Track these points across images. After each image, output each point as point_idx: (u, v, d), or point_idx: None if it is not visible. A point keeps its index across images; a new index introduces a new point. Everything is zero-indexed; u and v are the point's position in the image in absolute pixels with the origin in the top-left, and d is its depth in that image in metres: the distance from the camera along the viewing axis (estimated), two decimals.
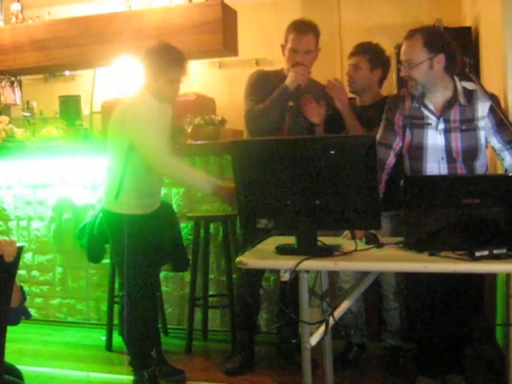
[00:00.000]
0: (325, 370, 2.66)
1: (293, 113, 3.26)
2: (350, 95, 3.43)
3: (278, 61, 4.81)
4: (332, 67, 5.34)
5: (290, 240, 2.36)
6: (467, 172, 2.72)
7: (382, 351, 3.46)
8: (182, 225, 3.95)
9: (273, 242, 2.46)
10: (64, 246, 4.38)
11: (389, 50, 4.61)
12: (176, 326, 4.15)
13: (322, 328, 2.29)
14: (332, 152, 2.26)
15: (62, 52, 4.62)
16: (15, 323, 1.86)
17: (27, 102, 4.96)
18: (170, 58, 3.03)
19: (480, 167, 2.75)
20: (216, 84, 5.58)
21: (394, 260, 2.19)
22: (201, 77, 5.56)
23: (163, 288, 4.11)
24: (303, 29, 3.28)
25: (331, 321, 2.28)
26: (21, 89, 5.24)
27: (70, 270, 4.43)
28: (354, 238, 2.35)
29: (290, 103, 3.24)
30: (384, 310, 3.43)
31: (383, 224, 3.10)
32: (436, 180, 2.33)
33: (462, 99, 2.70)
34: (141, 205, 3.15)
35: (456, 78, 2.74)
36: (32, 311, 4.52)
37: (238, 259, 2.29)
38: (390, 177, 2.84)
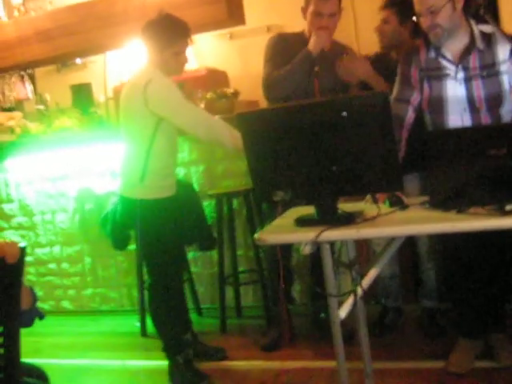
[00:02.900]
0: (360, 339, 2.56)
1: (319, 78, 3.12)
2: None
3: (289, 26, 4.67)
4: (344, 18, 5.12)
5: (311, 210, 2.26)
6: (492, 121, 2.56)
7: (419, 314, 3.35)
8: (205, 203, 3.87)
9: (293, 214, 2.35)
10: (90, 236, 4.35)
11: None
12: (209, 306, 4.10)
13: (351, 299, 2.19)
14: (343, 114, 2.13)
15: (68, 40, 4.52)
16: (28, 325, 1.81)
17: (40, 95, 4.90)
18: (173, 30, 2.93)
19: (506, 114, 2.58)
20: (228, 56, 5.42)
21: (418, 222, 2.06)
22: (211, 50, 5.41)
23: (192, 268, 4.07)
24: None
25: (359, 291, 2.18)
26: (33, 82, 5.19)
27: (98, 259, 4.41)
28: (375, 202, 2.23)
29: (316, 68, 3.10)
30: (420, 270, 3.31)
31: (413, 185, 3.02)
32: (457, 133, 2.19)
33: (479, 44, 2.53)
34: (166, 186, 3.06)
35: (472, 21, 2.57)
36: (66, 303, 4.56)
37: (256, 235, 2.20)
38: (412, 135, 2.69)
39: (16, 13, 4.82)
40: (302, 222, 2.23)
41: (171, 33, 2.93)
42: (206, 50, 5.35)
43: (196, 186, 3.92)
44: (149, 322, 3.76)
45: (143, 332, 3.87)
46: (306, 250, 2.13)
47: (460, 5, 2.48)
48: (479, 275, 2.75)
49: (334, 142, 2.16)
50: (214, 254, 3.96)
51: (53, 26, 4.57)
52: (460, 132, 2.25)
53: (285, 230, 2.22)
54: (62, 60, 5.06)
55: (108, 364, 3.50)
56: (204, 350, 3.38)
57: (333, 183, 2.19)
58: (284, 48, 3.19)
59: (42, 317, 1.85)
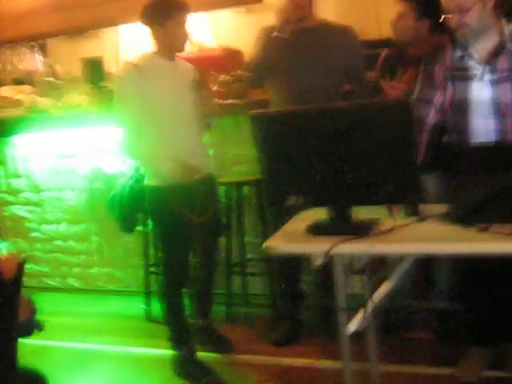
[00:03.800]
0: (368, 344, 2.50)
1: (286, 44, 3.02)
2: None
3: None
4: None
5: (322, 214, 2.17)
6: None
7: (429, 314, 3.27)
8: None
9: (303, 218, 2.27)
10: (97, 215, 4.29)
11: None
12: (216, 291, 4.05)
13: (362, 313, 2.13)
14: (364, 120, 2.04)
15: (79, 13, 4.41)
16: (27, 336, 1.76)
17: (50, 66, 4.79)
18: (163, 7, 2.93)
19: None
20: (244, 33, 5.24)
21: (437, 240, 1.97)
22: (225, 26, 5.23)
23: None
24: None
25: (370, 305, 2.11)
26: (44, 52, 5.06)
27: (105, 238, 4.35)
28: (391, 213, 2.14)
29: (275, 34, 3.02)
30: (432, 268, 3.23)
31: (430, 186, 2.91)
32: (482, 150, 2.08)
33: (510, 45, 2.39)
34: (167, 171, 2.92)
35: (504, 20, 2.43)
36: (72, 280, 4.54)
37: (266, 244, 2.12)
38: (432, 135, 2.58)
39: None
40: (314, 230, 2.15)
41: (162, 10, 2.93)
42: (222, 25, 5.18)
43: None
44: (154, 305, 3.74)
45: (148, 316, 3.84)
46: (318, 261, 2.06)
47: (491, 3, 2.34)
48: (494, 282, 2.66)
49: (352, 149, 2.07)
50: (222, 239, 3.89)
51: None
52: (484, 149, 2.14)
53: (296, 238, 2.15)
54: (73, 32, 4.92)
55: (112, 350, 3.48)
56: (212, 340, 3.36)
57: (348, 191, 2.11)
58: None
59: (40, 329, 1.79)
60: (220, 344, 3.36)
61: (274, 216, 3.22)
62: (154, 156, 2.98)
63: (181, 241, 3.05)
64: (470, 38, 2.41)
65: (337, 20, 3.41)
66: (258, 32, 3.25)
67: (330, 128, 2.09)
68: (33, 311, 1.77)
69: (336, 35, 3.15)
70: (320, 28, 3.15)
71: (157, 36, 2.98)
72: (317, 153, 2.11)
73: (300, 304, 3.43)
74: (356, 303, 2.26)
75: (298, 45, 3.08)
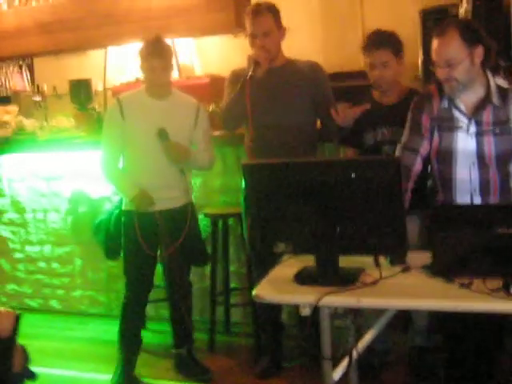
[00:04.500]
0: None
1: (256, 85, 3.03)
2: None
3: (295, 27, 4.60)
4: (352, 33, 5.03)
5: (310, 258, 2.22)
6: (500, 177, 2.51)
7: (408, 351, 3.32)
8: (200, 216, 3.82)
9: (291, 263, 2.32)
10: (82, 238, 4.29)
11: (413, 15, 4.38)
12: (199, 318, 4.07)
13: (346, 361, 2.17)
14: (353, 176, 2.09)
15: (68, 35, 4.42)
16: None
17: (37, 86, 4.79)
18: (141, 49, 3.13)
19: None
20: (232, 57, 5.30)
21: (420, 296, 2.02)
22: (213, 52, 5.28)
23: None
24: (257, 10, 3.08)
25: (354, 354, 2.16)
26: (31, 71, 5.06)
27: (89, 262, 4.36)
28: (377, 265, 2.19)
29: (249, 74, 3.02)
30: None
31: (411, 225, 2.95)
32: (468, 209, 2.15)
33: (495, 99, 2.46)
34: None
35: (489, 74, 2.50)
36: (54, 302, 4.51)
37: (254, 293, 2.16)
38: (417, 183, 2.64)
39: (17, 2, 4.68)
40: (301, 279, 2.20)
41: (141, 51, 3.15)
42: (208, 53, 5.21)
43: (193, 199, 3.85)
44: None
45: None
46: (305, 312, 2.10)
47: (479, 59, 2.41)
48: (474, 320, 2.71)
49: (341, 202, 2.13)
50: (207, 268, 3.92)
51: (54, 18, 4.47)
52: (469, 208, 2.20)
53: (283, 287, 2.18)
54: (61, 53, 4.92)
55: (91, 377, 3.49)
56: (192, 369, 3.39)
57: (335, 242, 2.16)
58: (237, 84, 3.11)
59: (34, 378, 1.81)
60: (200, 374, 3.39)
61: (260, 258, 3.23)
62: (120, 180, 3.23)
63: (136, 265, 3.28)
64: (457, 91, 2.47)
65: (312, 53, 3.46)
66: (228, 75, 3.30)
67: (319, 180, 2.14)
68: (26, 360, 1.79)
69: (303, 71, 3.18)
70: (287, 66, 3.18)
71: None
72: (306, 204, 2.16)
73: (281, 335, 3.46)
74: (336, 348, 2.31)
75: (267, 85, 3.10)
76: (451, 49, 2.39)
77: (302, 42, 4.79)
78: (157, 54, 3.07)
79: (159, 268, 3.42)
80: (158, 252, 3.32)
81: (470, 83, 2.46)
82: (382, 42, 2.92)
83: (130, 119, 3.14)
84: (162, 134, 3.11)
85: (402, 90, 3.03)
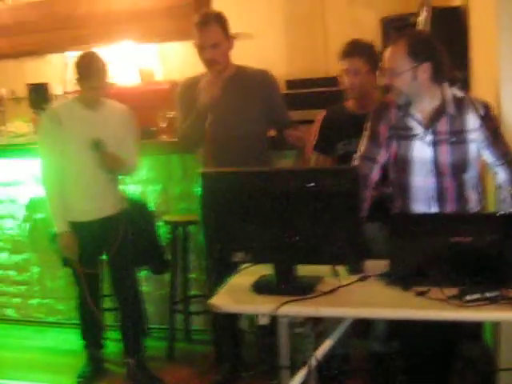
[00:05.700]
0: None
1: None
2: None
3: (259, 33, 4.61)
4: (314, 40, 5.07)
5: (268, 267, 2.21)
6: (456, 186, 2.55)
7: (367, 357, 3.34)
8: (160, 223, 3.79)
9: (249, 272, 2.31)
10: (39, 245, 4.20)
11: (374, 23, 4.42)
12: (158, 326, 4.03)
13: (305, 370, 2.17)
14: (310, 185, 2.09)
15: (26, 38, 4.34)
16: None
17: None
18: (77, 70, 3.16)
19: (470, 179, 2.57)
20: (194, 64, 5.28)
21: (378, 305, 2.03)
22: (175, 57, 5.23)
23: (144, 288, 3.97)
24: (204, 22, 3.00)
25: (313, 362, 2.16)
26: None
27: (47, 269, 4.28)
28: (336, 274, 2.20)
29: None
30: None
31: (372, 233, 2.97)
32: (425, 217, 2.17)
33: (450, 109, 2.50)
34: (67, 210, 3.26)
35: (445, 86, 2.53)
36: (10, 311, 4.42)
37: (210, 302, 2.14)
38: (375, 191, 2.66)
39: None
40: (259, 289, 2.19)
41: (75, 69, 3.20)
42: (170, 59, 5.16)
43: (152, 206, 3.82)
44: None
45: None
46: (263, 321, 2.09)
47: (425, 75, 2.43)
48: (428, 333, 2.74)
49: (299, 211, 2.13)
50: (166, 275, 3.89)
51: (12, 21, 4.39)
52: (426, 217, 2.23)
53: (241, 297, 2.17)
54: (19, 56, 4.83)
55: None
56: (143, 380, 3.35)
57: (293, 251, 2.16)
58: (189, 96, 3.08)
59: None
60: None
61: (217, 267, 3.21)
62: (55, 205, 3.26)
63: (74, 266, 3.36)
64: (401, 100, 2.50)
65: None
66: (179, 87, 3.28)
67: (277, 189, 2.14)
68: None
69: (255, 79, 3.16)
70: (238, 75, 3.15)
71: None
72: (264, 213, 2.16)
73: (240, 343, 3.45)
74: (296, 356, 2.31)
75: (219, 96, 3.03)
76: (395, 59, 2.43)
77: (266, 50, 4.82)
78: (91, 76, 3.12)
79: None
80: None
81: (415, 96, 2.48)
82: (356, 50, 2.97)
83: (66, 129, 3.15)
84: (98, 145, 3.13)
85: (375, 101, 3.02)
